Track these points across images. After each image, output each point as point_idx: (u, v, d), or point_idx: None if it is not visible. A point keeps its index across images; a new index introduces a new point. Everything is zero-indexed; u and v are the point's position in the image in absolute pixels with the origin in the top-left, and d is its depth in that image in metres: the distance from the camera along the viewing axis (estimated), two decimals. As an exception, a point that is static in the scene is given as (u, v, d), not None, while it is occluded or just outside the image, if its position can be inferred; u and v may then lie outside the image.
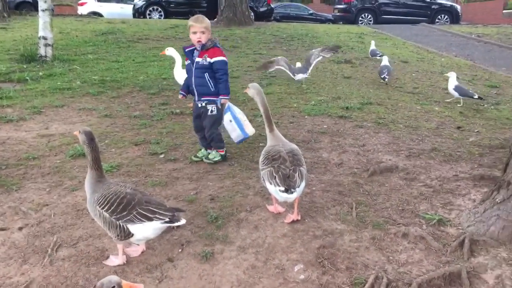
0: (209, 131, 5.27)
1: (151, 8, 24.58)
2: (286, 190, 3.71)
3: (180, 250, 3.63)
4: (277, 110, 7.44)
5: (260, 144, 5.86)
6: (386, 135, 6.34)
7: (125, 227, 3.25)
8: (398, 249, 3.67)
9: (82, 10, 27.93)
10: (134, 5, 25.94)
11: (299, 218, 4.07)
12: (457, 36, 19.08)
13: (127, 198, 3.26)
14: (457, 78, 8.15)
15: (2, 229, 3.84)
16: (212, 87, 5.14)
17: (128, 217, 3.23)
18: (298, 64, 9.40)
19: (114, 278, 2.18)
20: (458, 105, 8.12)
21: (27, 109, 7.13)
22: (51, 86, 8.50)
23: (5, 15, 18.31)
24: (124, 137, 6.10)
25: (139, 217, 3.24)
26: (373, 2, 25.36)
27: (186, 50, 5.16)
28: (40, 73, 9.36)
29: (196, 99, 5.23)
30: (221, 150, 5.38)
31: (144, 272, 3.36)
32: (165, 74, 9.64)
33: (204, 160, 5.30)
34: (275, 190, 3.79)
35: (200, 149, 5.49)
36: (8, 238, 3.74)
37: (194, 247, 3.67)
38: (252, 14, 21.93)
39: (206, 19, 5.06)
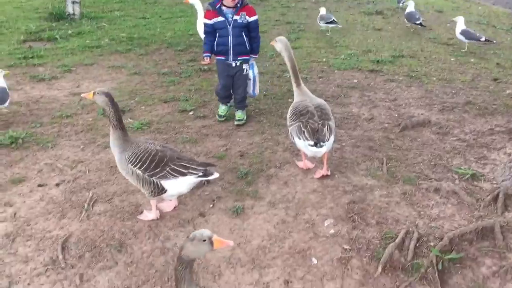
0: (244, 91, 5.21)
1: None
2: (315, 144, 3.72)
3: (211, 205, 3.70)
4: (306, 64, 7.31)
5: (289, 100, 5.79)
6: (419, 89, 6.18)
7: (158, 183, 3.31)
8: (429, 204, 3.64)
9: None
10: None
11: (329, 173, 4.06)
12: (496, -18, 18.08)
13: (159, 155, 3.31)
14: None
15: (40, 185, 3.98)
16: (247, 46, 5.02)
17: (162, 174, 3.29)
18: (323, 10, 9.42)
19: (206, 232, 2.18)
20: (463, 50, 8.10)
21: (58, 68, 7.22)
22: (80, 44, 8.55)
23: (32, -27, 18.27)
24: (153, 95, 6.14)
25: (173, 173, 3.29)
26: None
27: (217, 6, 4.88)
28: (69, 31, 9.41)
29: (231, 58, 5.02)
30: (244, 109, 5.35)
31: (177, 227, 3.45)
32: (192, 30, 9.53)
33: (236, 123, 5.19)
34: (304, 145, 3.80)
35: (223, 105, 5.39)
36: (47, 193, 3.87)
37: (225, 203, 3.73)
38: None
39: None
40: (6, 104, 5.22)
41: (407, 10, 9.59)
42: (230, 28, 4.88)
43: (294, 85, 4.21)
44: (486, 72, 6.88)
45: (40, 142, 4.75)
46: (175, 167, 3.29)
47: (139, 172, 3.29)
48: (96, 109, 5.63)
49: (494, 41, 7.90)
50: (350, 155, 4.43)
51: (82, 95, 3.59)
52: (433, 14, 11.43)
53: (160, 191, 3.34)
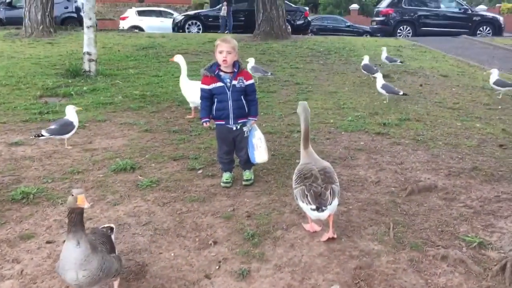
0: (247, 152, 5.25)
1: (190, 22, 25.09)
2: (317, 208, 3.77)
3: (217, 267, 3.69)
4: (314, 125, 7.45)
5: (297, 161, 5.85)
6: (425, 153, 6.25)
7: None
8: (437, 272, 3.61)
9: (123, 24, 28.89)
10: (173, 19, 26.65)
11: (335, 236, 4.07)
12: (500, 48, 18.59)
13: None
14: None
15: (49, 242, 4.01)
16: (246, 109, 5.16)
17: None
18: (252, 61, 10.68)
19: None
20: (385, 101, 9.14)
21: (72, 124, 7.40)
22: (94, 100, 8.81)
23: (52, 30, 19.06)
24: (163, 152, 6.26)
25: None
26: (412, 14, 25.01)
27: (216, 72, 5.00)
28: (84, 88, 9.72)
29: (231, 122, 5.12)
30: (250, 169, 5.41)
31: (183, 289, 3.44)
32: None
33: (244, 183, 5.26)
34: (307, 208, 3.86)
35: (226, 173, 5.35)
36: (54, 251, 3.90)
37: (231, 265, 3.72)
38: (289, 27, 22.03)
39: (234, 40, 5.01)
40: (69, 135, 6.35)
41: (363, 62, 11.14)
42: (229, 93, 5.01)
43: (302, 147, 4.30)
44: (491, 137, 6.97)
45: (50, 198, 4.83)
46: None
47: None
48: (106, 166, 5.74)
49: (408, 94, 9.44)
50: (357, 219, 4.44)
51: (74, 202, 2.92)
52: (438, 78, 11.70)
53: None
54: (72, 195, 2.88)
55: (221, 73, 5.02)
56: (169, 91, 9.74)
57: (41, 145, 6.42)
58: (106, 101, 8.81)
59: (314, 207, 3.77)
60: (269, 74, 10.71)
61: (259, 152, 5.22)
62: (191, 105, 7.99)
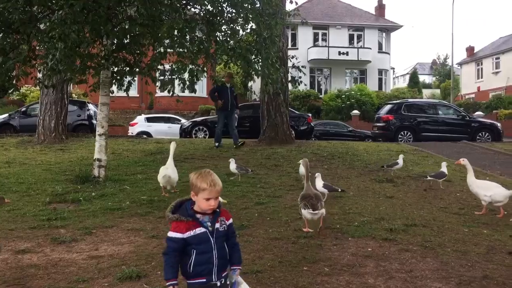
0: None
1: (197, 128, 25.98)
2: (313, 210, 6.85)
3: None
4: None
5: (304, 268, 5.81)
6: (434, 260, 6.18)
7: None
8: None
9: (132, 130, 29.98)
10: (181, 125, 27.66)
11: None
12: (501, 154, 18.94)
13: None
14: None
15: None
16: (228, 257, 3.90)
17: None
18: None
19: None
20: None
21: (79, 230, 7.45)
22: (102, 206, 8.91)
23: (63, 137, 19.72)
24: (169, 259, 6.20)
25: None
26: (411, 120, 25.90)
27: (200, 219, 3.75)
28: (93, 194, 9.87)
29: (214, 278, 3.76)
30: None
31: None
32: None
33: None
34: (307, 212, 6.90)
35: None
36: None
37: None
38: (293, 132, 22.71)
39: (218, 179, 3.79)
40: None
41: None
42: (213, 240, 3.74)
43: (305, 183, 7.41)
44: (500, 244, 6.91)
45: (54, 308, 4.74)
46: None
47: None
48: (112, 274, 5.68)
49: (345, 190, 10.14)
50: (368, 331, 4.31)
51: None
52: (442, 183, 11.82)
53: None
54: None
55: (198, 215, 3.75)
56: (176, 196, 9.82)
57: (47, 253, 6.41)
58: (114, 206, 8.91)
59: (311, 210, 6.85)
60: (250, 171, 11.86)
61: None
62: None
